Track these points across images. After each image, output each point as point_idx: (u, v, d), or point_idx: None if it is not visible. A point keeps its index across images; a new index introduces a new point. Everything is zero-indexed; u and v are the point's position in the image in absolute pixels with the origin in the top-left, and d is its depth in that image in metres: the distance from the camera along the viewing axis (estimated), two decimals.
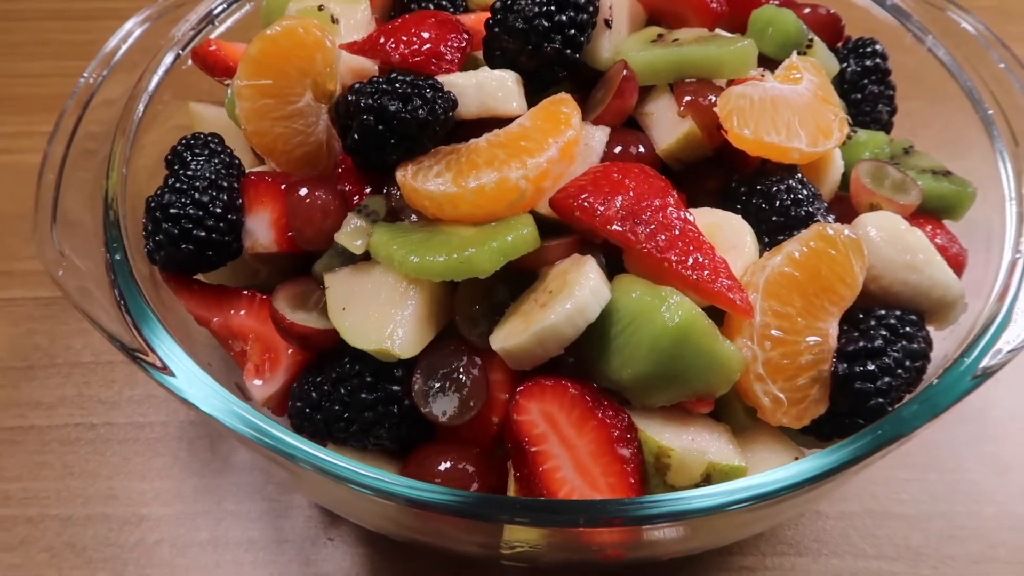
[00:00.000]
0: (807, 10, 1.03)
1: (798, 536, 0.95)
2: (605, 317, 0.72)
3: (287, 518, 0.96)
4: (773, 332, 0.72)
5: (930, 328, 0.80)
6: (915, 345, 0.76)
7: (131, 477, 1.00)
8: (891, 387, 0.73)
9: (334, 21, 0.96)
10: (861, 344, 0.74)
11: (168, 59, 0.98)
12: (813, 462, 0.64)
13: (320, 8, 0.95)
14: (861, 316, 0.77)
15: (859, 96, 1.01)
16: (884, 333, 0.75)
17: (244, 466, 1.01)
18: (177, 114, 0.96)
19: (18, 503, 0.98)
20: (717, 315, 0.73)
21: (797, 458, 0.75)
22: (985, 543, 0.94)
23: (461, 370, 0.76)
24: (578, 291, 0.71)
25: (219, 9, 1.05)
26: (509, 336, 0.73)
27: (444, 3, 1.03)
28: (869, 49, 1.00)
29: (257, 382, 0.82)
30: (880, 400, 0.72)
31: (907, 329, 0.76)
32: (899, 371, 0.74)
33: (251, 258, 0.88)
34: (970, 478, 0.99)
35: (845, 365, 0.73)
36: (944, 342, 0.80)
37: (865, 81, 1.00)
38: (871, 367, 0.73)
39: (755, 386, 0.72)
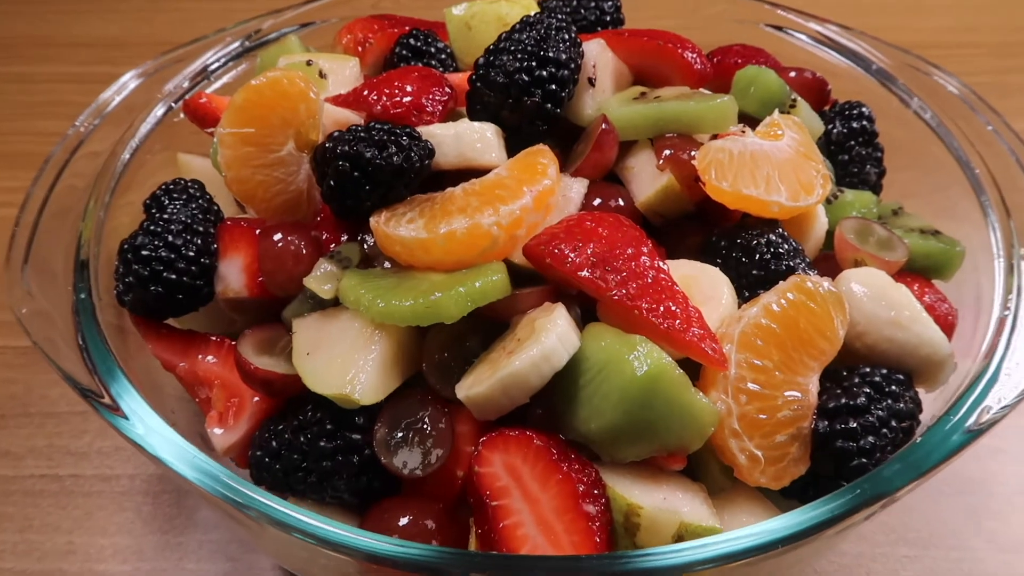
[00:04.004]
0: (792, 73, 1.04)
1: None
2: (574, 366, 0.70)
3: None
4: (749, 385, 0.69)
5: (920, 389, 0.76)
6: (901, 405, 0.72)
7: (92, 532, 0.97)
8: (875, 447, 0.69)
9: (322, 76, 0.98)
10: (843, 401, 0.71)
11: (160, 111, 0.99)
12: (788, 520, 0.60)
13: (308, 63, 0.97)
14: (845, 374, 0.74)
15: (846, 157, 1.00)
16: (868, 391, 0.72)
17: (208, 524, 0.97)
18: (165, 168, 0.97)
19: None
20: (692, 369, 0.70)
21: None
22: None
23: (426, 420, 0.73)
24: (545, 337, 0.69)
25: (215, 65, 1.07)
26: (474, 384, 0.71)
27: (434, 63, 1.05)
28: (855, 111, 1.01)
29: (217, 430, 0.79)
30: (863, 460, 0.68)
31: (893, 388, 0.73)
32: (883, 431, 0.70)
33: (225, 305, 0.87)
34: (974, 556, 0.93)
35: (826, 423, 0.70)
36: (934, 404, 0.76)
37: (852, 142, 1.00)
38: (853, 425, 0.69)
39: (730, 442, 0.69)
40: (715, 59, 1.09)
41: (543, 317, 0.72)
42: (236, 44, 1.09)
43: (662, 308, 0.70)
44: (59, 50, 1.75)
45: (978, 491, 0.98)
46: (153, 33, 1.81)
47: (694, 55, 0.95)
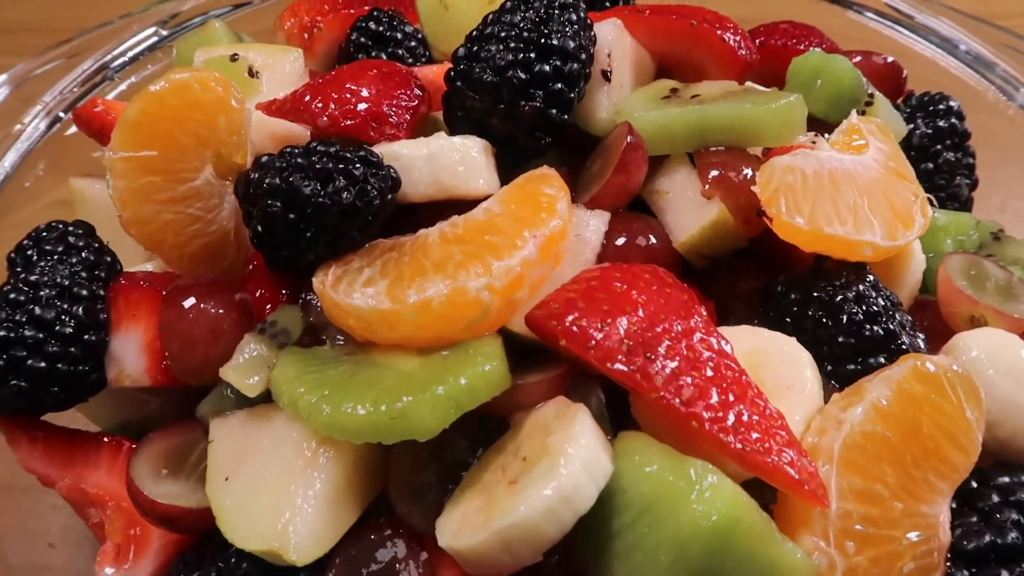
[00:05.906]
0: (858, 58, 0.84)
1: None
2: (606, 500, 0.53)
3: None
4: (857, 527, 0.49)
5: None
6: None
7: None
8: None
9: (253, 75, 0.78)
10: (988, 539, 0.52)
11: (42, 123, 0.77)
12: None
13: (233, 58, 0.75)
14: (975, 485, 0.56)
15: (931, 166, 0.83)
16: (1016, 517, 0.52)
17: None
18: (51, 193, 0.76)
19: None
20: (768, 490, 0.50)
21: None
22: None
23: (395, 567, 0.55)
24: (564, 466, 0.50)
25: (119, 61, 0.84)
26: (463, 529, 0.52)
27: (401, 52, 0.86)
28: (942, 106, 0.83)
29: (108, 570, 0.59)
30: None
31: None
32: None
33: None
34: None
35: (966, 573, 0.49)
36: None
37: (938, 147, 0.83)
38: None
39: None
40: (756, 41, 0.88)
41: (559, 430, 0.51)
42: (147, 33, 0.86)
43: (731, 417, 0.50)
44: None
45: None
46: (84, 17, 1.56)
47: (737, 38, 0.78)
